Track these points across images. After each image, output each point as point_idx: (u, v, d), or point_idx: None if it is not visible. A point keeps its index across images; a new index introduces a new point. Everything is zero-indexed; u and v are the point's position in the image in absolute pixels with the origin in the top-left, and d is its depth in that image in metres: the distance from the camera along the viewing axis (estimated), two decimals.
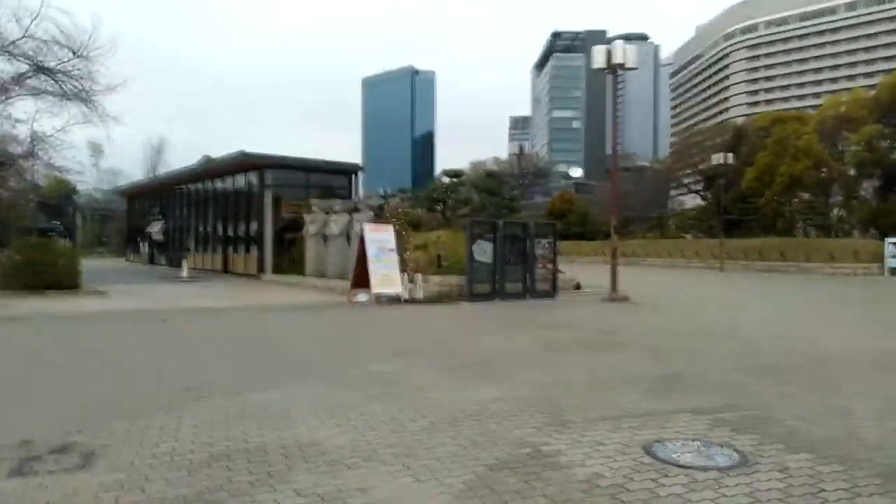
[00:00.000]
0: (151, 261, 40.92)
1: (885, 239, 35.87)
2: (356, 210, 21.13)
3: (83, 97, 18.01)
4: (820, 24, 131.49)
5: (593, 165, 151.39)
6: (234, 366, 7.85)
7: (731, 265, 40.35)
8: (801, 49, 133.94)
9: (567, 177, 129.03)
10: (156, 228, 39.31)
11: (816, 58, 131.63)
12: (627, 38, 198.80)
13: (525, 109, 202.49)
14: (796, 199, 50.88)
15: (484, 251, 17.46)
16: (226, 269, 29.67)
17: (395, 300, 17.28)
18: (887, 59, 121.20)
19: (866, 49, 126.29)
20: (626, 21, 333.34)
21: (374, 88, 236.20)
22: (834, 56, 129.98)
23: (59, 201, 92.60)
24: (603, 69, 18.28)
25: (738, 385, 6.71)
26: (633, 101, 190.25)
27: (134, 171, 69.41)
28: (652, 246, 52.31)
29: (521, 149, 34.74)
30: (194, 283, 23.64)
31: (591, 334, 10.91)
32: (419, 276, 17.69)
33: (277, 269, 25.85)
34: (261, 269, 26.12)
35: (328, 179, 27.29)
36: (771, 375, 7.26)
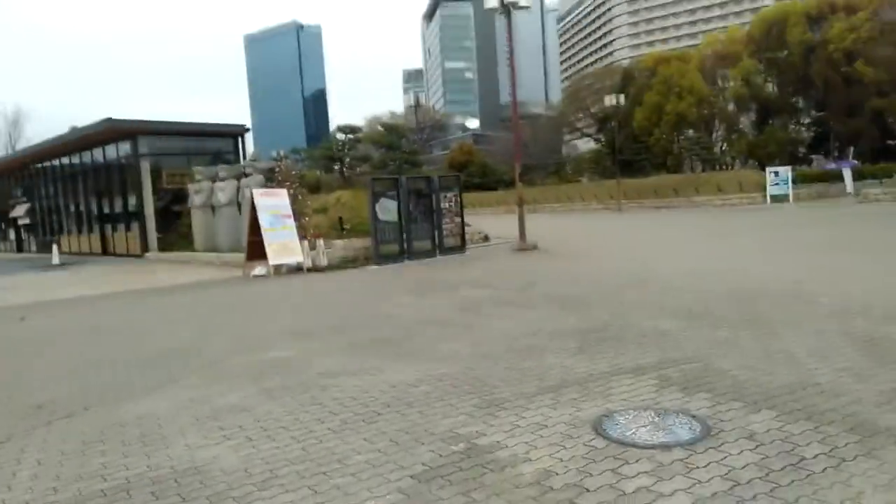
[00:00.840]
0: (19, 248, 36.87)
1: (767, 168, 37.99)
2: (245, 175, 19.43)
3: None
4: None
5: (489, 115, 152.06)
6: (101, 370, 6.61)
7: (628, 205, 41.61)
8: None
9: (464, 128, 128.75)
10: (21, 212, 35.27)
11: None
12: None
13: (418, 62, 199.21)
14: (683, 137, 53.05)
15: (388, 210, 16.50)
16: (105, 251, 27.01)
17: (297, 270, 16.09)
18: None
19: None
20: None
21: (258, 45, 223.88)
22: None
23: None
24: (495, 9, 17.45)
25: (670, 333, 6.29)
26: (522, 49, 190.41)
27: None
28: (552, 192, 53.11)
29: (417, 100, 33.63)
30: (66, 269, 21.20)
31: (506, 290, 10.34)
32: (321, 242, 16.53)
33: (165, 247, 23.73)
34: (144, 247, 23.89)
35: (212, 144, 25.11)
36: (699, 319, 6.92)
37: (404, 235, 16.74)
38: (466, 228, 18.87)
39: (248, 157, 20.23)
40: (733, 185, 38.64)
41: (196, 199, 21.12)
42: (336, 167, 29.12)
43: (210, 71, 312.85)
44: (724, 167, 52.67)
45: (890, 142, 42.94)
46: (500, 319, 7.70)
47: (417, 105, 33.01)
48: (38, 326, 10.08)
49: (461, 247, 18.01)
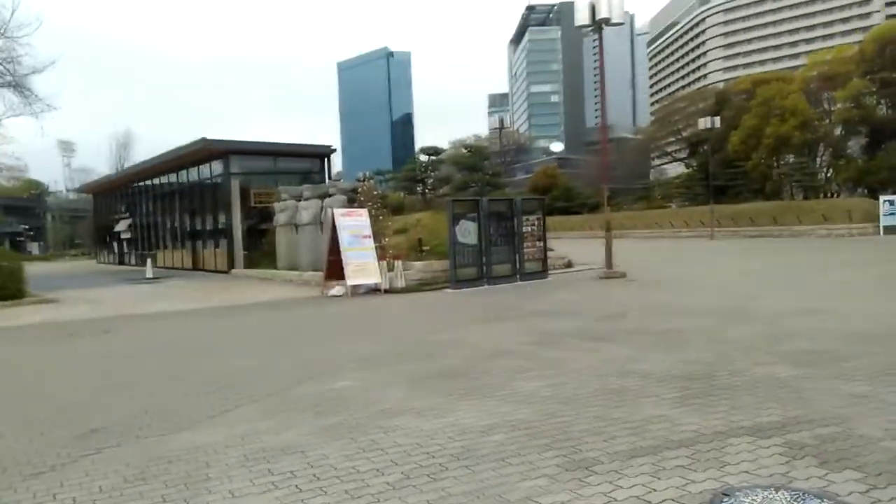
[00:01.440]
0: (121, 261, 39.04)
1: (880, 197, 34.91)
2: (328, 195, 19.53)
3: (11, 82, 16.12)
4: None
5: (573, 139, 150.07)
6: (164, 391, 6.37)
7: (721, 232, 39.34)
8: (776, 11, 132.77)
9: (548, 152, 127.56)
10: (123, 227, 37.39)
11: (791, 19, 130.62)
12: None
13: (503, 86, 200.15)
14: (783, 162, 49.85)
15: (467, 232, 16.00)
16: (195, 266, 27.99)
17: (374, 291, 15.84)
18: (861, 16, 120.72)
19: (840, 7, 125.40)
20: None
21: (350, 72, 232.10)
22: (808, 17, 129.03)
23: (28, 203, 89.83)
24: (587, 26, 16.77)
25: (791, 384, 5.34)
26: (610, 73, 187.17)
27: (105, 169, 66.88)
28: (639, 217, 51.18)
29: (502, 121, 33.16)
30: (158, 283, 21.98)
31: (591, 321, 9.51)
32: (399, 264, 16.23)
33: (249, 264, 24.26)
34: (231, 264, 24.50)
35: (300, 165, 25.62)
36: (823, 367, 5.91)
37: (483, 259, 16.17)
38: (549, 253, 18.08)
39: (331, 177, 20.36)
40: (840, 215, 35.71)
41: (280, 218, 21.45)
42: (418, 188, 29.08)
43: (303, 96, 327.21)
44: (828, 195, 49.02)
45: None
46: (586, 355, 6.94)
47: (501, 127, 32.52)
48: (113, 342, 10.17)
49: (543, 272, 17.23)
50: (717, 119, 40.40)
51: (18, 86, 16.41)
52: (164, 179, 31.00)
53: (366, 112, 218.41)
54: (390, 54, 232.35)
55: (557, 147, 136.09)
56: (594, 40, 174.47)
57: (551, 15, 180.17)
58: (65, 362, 8.49)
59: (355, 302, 14.36)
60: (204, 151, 23.85)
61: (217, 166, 25.06)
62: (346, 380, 6.36)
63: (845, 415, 4.43)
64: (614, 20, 16.47)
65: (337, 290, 15.62)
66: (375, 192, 18.71)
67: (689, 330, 8.24)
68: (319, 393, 5.88)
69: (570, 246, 26.68)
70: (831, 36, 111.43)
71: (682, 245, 34.17)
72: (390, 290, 15.81)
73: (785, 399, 4.90)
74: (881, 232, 32.91)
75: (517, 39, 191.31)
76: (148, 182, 32.87)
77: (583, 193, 66.80)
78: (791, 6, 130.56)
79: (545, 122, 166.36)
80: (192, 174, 27.55)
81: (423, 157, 28.50)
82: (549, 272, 17.61)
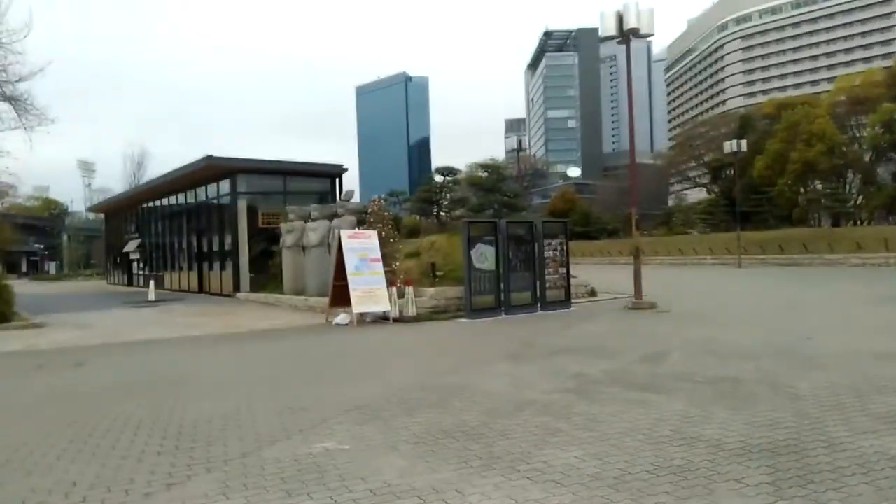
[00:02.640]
0: (130, 282, 38.25)
1: None
2: (336, 215, 18.46)
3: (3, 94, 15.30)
4: (814, 10, 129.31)
5: (590, 165, 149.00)
6: (107, 448, 5.16)
7: (749, 260, 37.72)
8: (795, 37, 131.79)
9: (565, 177, 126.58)
10: (132, 247, 36.65)
11: (810, 45, 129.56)
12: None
13: (520, 111, 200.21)
14: (810, 187, 48.21)
15: (484, 257, 14.78)
16: (201, 289, 27.01)
17: (382, 319, 14.63)
18: (883, 43, 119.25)
19: (862, 34, 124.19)
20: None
21: (368, 97, 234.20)
22: (829, 43, 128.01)
23: (46, 222, 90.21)
24: (613, 37, 15.66)
25: None
26: (626, 99, 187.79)
27: (120, 188, 66.79)
28: (660, 243, 49.67)
29: (520, 143, 32.02)
30: (158, 306, 20.94)
31: (629, 363, 8.20)
32: (410, 290, 15.01)
33: (256, 287, 23.21)
34: (236, 287, 23.46)
35: (310, 184, 24.66)
36: None
37: (502, 286, 14.92)
38: (571, 280, 16.77)
39: (340, 197, 19.32)
40: (875, 243, 34.03)
41: (287, 240, 20.38)
42: (433, 210, 27.95)
43: (322, 120, 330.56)
44: (857, 223, 47.27)
45: None
46: (631, 411, 5.64)
47: (519, 149, 31.43)
48: (80, 376, 9.02)
49: (566, 301, 15.93)
50: (744, 143, 39.01)
51: (12, 98, 15.61)
52: (172, 199, 30.24)
53: (383, 136, 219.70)
54: (408, 79, 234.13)
55: (574, 172, 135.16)
56: (612, 67, 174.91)
57: (568, 41, 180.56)
58: (9, 404, 7.32)
59: (361, 332, 13.14)
60: (209, 169, 22.97)
61: (224, 185, 24.19)
62: (333, 437, 5.12)
63: None
64: (643, 31, 15.36)
65: (342, 318, 14.43)
66: (386, 213, 17.58)
67: (748, 377, 6.91)
68: (297, 458, 4.64)
69: (591, 272, 25.38)
70: (852, 63, 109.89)
71: (708, 273, 32.63)
72: (400, 319, 14.59)
73: None
74: None
75: (534, 65, 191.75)
76: (156, 202, 32.14)
77: (601, 218, 65.48)
78: (810, 33, 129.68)
79: (562, 146, 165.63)
80: (200, 193, 26.72)
81: (439, 178, 27.42)
82: (573, 301, 16.30)
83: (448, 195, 26.57)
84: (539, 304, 15.33)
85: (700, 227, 58.88)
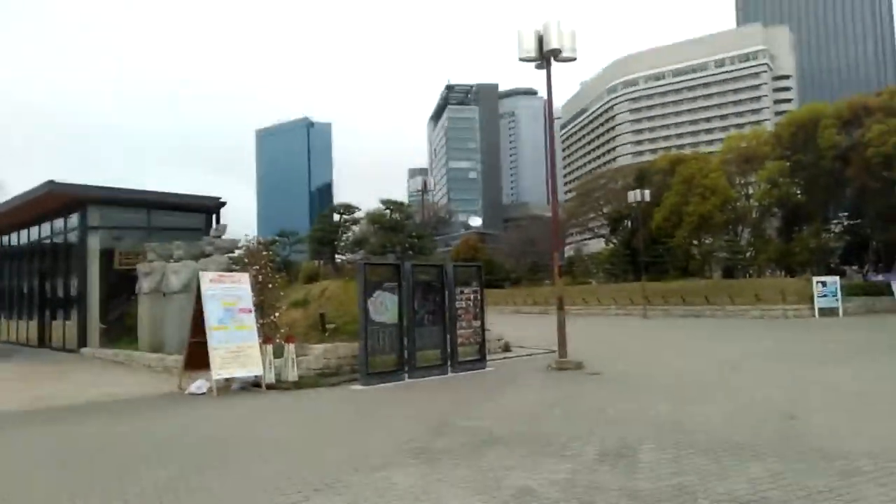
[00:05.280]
0: None
1: (813, 279, 33.93)
2: (204, 255, 15.22)
3: None
4: (692, 78, 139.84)
5: (491, 216, 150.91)
6: None
7: (652, 310, 37.28)
8: (676, 102, 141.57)
9: (467, 226, 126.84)
10: None
11: (690, 110, 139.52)
12: (517, 92, 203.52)
13: (424, 161, 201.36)
14: (707, 240, 49.42)
15: (385, 306, 12.10)
16: (42, 342, 22.34)
17: (253, 386, 11.51)
18: (754, 111, 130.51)
19: (734, 103, 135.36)
20: (516, 77, 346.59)
21: (269, 140, 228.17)
22: (706, 109, 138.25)
23: None
24: (532, 59, 13.85)
25: None
26: (525, 153, 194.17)
27: None
28: (565, 293, 48.82)
29: (425, 183, 30.01)
30: None
31: (589, 464, 5.74)
32: (291, 348, 12.00)
33: (108, 341, 19.12)
34: (82, 341, 19.26)
35: (180, 219, 21.01)
36: None
37: (405, 342, 12.25)
38: (486, 334, 14.38)
39: (212, 233, 16.09)
40: (773, 294, 34.36)
41: (145, 284, 16.78)
42: (329, 253, 25.02)
43: (219, 161, 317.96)
44: (748, 275, 48.69)
45: None
46: None
47: (424, 189, 29.38)
48: None
49: (480, 360, 13.47)
50: (647, 193, 39.10)
51: None
52: (14, 236, 25.40)
53: (284, 180, 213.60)
54: (311, 124, 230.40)
55: (476, 221, 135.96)
56: (510, 122, 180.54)
57: (469, 95, 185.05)
58: None
59: (219, 405, 10.00)
60: (53, 199, 18.91)
61: (74, 219, 20.13)
62: None
63: None
64: (565, 53, 13.65)
65: (198, 385, 11.17)
66: (265, 252, 14.55)
67: (773, 496, 4.63)
68: None
69: (500, 322, 23.19)
70: (727, 128, 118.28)
71: (618, 324, 31.50)
72: (277, 385, 11.53)
73: None
74: (816, 314, 31.56)
75: (437, 116, 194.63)
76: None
77: (504, 267, 64.59)
78: (690, 99, 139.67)
79: (464, 196, 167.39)
80: (45, 229, 22.32)
81: (337, 217, 24.83)
82: (488, 359, 13.86)
83: (346, 236, 23.81)
84: (450, 365, 12.77)
85: (600, 276, 59.13)
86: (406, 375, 12.02)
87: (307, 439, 7.40)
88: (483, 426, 7.54)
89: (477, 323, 13.53)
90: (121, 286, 19.66)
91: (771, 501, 4.54)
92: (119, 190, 19.12)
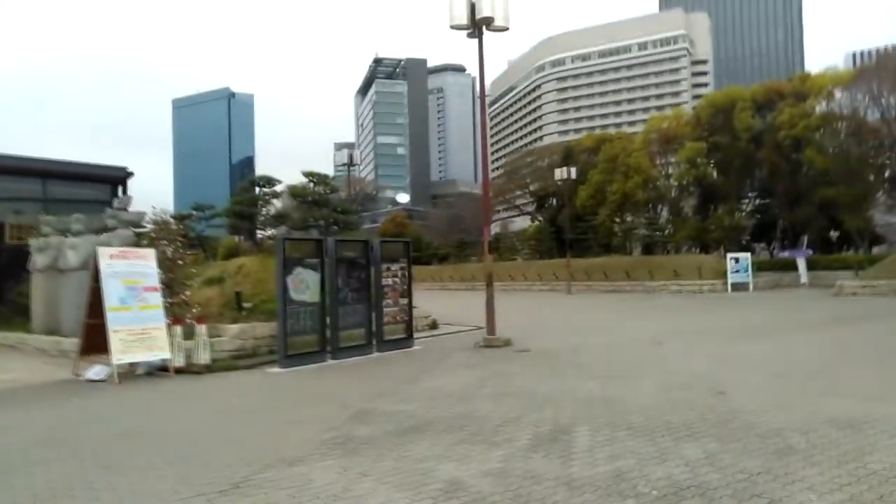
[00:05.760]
0: None
1: (727, 255, 35.37)
2: (107, 229, 13.94)
3: None
4: (616, 60, 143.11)
5: (419, 192, 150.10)
6: None
7: (576, 286, 38.00)
8: (602, 83, 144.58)
9: (394, 202, 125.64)
10: None
11: (615, 91, 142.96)
12: (446, 68, 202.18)
13: (350, 136, 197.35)
14: (629, 218, 50.72)
15: (305, 284, 11.39)
16: None
17: (161, 371, 10.60)
18: (673, 94, 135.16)
19: (656, 85, 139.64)
20: (445, 54, 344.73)
21: (187, 111, 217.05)
22: (630, 90, 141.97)
23: None
24: (463, 27, 13.29)
25: None
26: (453, 131, 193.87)
27: None
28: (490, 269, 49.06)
29: (351, 157, 28.93)
30: None
31: (521, 451, 5.40)
32: (203, 329, 11.11)
33: (1, 322, 17.45)
34: None
35: (82, 191, 19.36)
36: None
37: (328, 322, 11.62)
38: (413, 311, 13.91)
39: (115, 205, 14.77)
40: (691, 271, 35.68)
41: (39, 260, 15.27)
42: (248, 228, 23.76)
43: (132, 132, 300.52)
44: (667, 251, 50.47)
45: (834, 232, 41.73)
46: None
47: (350, 163, 28.30)
48: None
49: (407, 338, 13.00)
50: (574, 170, 39.54)
51: None
52: None
53: (203, 154, 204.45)
54: (231, 95, 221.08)
55: (404, 198, 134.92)
56: (439, 98, 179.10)
57: (398, 69, 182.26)
58: None
59: (120, 393, 9.10)
60: None
61: None
62: None
63: None
64: (498, 22, 13.17)
65: (96, 371, 10.17)
66: (175, 227, 13.46)
67: (715, 482, 4.41)
68: None
69: (427, 299, 22.83)
70: (647, 110, 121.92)
71: (543, 299, 31.86)
72: (187, 369, 10.67)
73: None
74: (729, 289, 32.96)
75: (364, 90, 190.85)
76: None
77: (432, 244, 64.38)
78: (615, 80, 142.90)
79: (392, 173, 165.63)
80: None
81: (257, 190, 23.50)
82: (415, 338, 13.43)
83: (267, 210, 22.61)
84: (375, 344, 12.25)
85: (525, 253, 59.86)
86: (329, 357, 11.42)
87: (215, 431, 6.72)
88: (409, 410, 7.08)
89: (404, 300, 13.03)
90: (14, 263, 17.95)
91: (711, 485, 4.31)
92: (6, 157, 17.28)
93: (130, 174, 19.42)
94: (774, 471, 4.57)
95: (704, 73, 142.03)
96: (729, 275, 33.65)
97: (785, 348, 11.69)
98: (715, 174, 47.84)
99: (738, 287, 33.13)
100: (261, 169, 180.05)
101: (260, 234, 24.17)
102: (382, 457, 5.28)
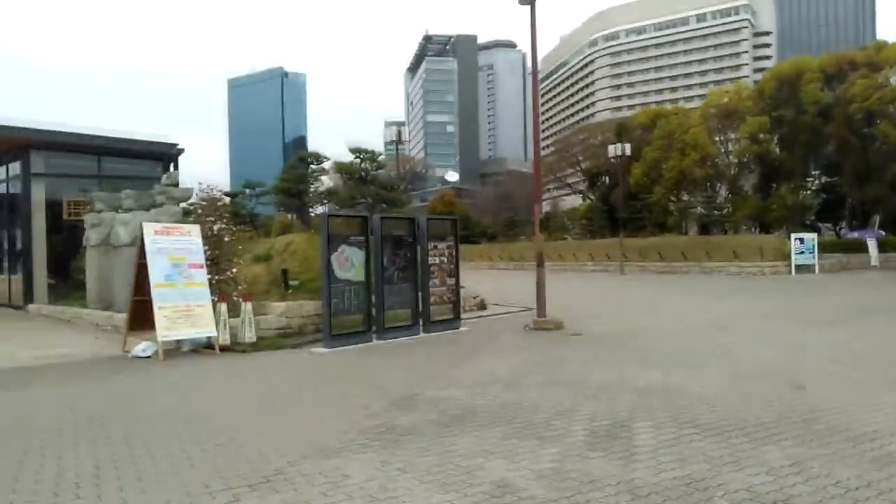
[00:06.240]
0: None
1: (791, 235, 33.63)
2: (156, 205, 13.97)
3: None
4: (673, 33, 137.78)
5: (468, 170, 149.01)
6: None
7: (629, 266, 36.86)
8: (658, 57, 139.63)
9: (444, 181, 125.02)
10: None
11: (670, 66, 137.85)
12: (497, 45, 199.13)
13: (400, 114, 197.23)
14: (685, 196, 48.94)
15: (350, 263, 11.09)
16: None
17: (206, 348, 10.52)
18: (733, 68, 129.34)
19: (714, 59, 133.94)
20: (495, 30, 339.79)
21: (242, 90, 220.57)
22: (686, 64, 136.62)
23: None
24: None
25: None
26: (503, 108, 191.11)
27: None
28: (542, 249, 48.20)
29: (399, 133, 28.56)
30: None
31: (577, 449, 4.92)
32: (248, 307, 10.97)
33: (57, 297, 17.92)
34: (28, 297, 17.99)
35: (133, 166, 19.58)
36: None
37: (373, 301, 11.31)
38: (461, 292, 13.49)
39: (163, 181, 14.77)
40: (751, 252, 34.05)
41: (92, 236, 15.46)
42: (297, 205, 23.68)
43: (189, 110, 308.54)
44: (725, 231, 48.53)
45: None
46: None
47: (399, 140, 27.97)
48: None
49: (454, 319, 12.60)
50: (628, 146, 38.17)
51: None
52: None
53: (257, 132, 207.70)
54: (285, 74, 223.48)
55: (453, 177, 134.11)
56: (489, 75, 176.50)
57: (448, 46, 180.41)
58: None
59: (163, 371, 9.00)
60: None
61: (16, 166, 18.56)
62: None
63: None
64: None
65: (142, 347, 10.14)
66: (221, 203, 13.37)
67: (798, 493, 3.83)
68: None
69: (475, 279, 22.42)
70: (705, 85, 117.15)
71: (595, 280, 30.97)
72: (233, 347, 10.57)
73: None
74: (793, 271, 31.35)
75: (414, 68, 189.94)
76: None
77: (481, 223, 63.81)
78: (670, 54, 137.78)
79: (441, 151, 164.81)
80: None
81: (305, 168, 23.35)
82: (462, 319, 13.01)
83: (315, 187, 22.41)
84: (421, 325, 11.89)
85: (575, 232, 58.65)
86: (374, 337, 11.13)
87: (252, 415, 6.46)
88: (455, 397, 6.67)
89: (451, 280, 12.61)
90: (71, 238, 18.36)
91: (801, 499, 3.74)
92: (63, 133, 17.52)
93: (181, 150, 19.51)
94: (876, 484, 3.95)
95: (767, 46, 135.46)
96: (793, 256, 31.98)
97: (862, 336, 10.78)
98: (778, 150, 45.52)
99: (802, 269, 31.47)
100: (313, 146, 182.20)
101: (311, 211, 24.11)
102: (425, 451, 4.89)
